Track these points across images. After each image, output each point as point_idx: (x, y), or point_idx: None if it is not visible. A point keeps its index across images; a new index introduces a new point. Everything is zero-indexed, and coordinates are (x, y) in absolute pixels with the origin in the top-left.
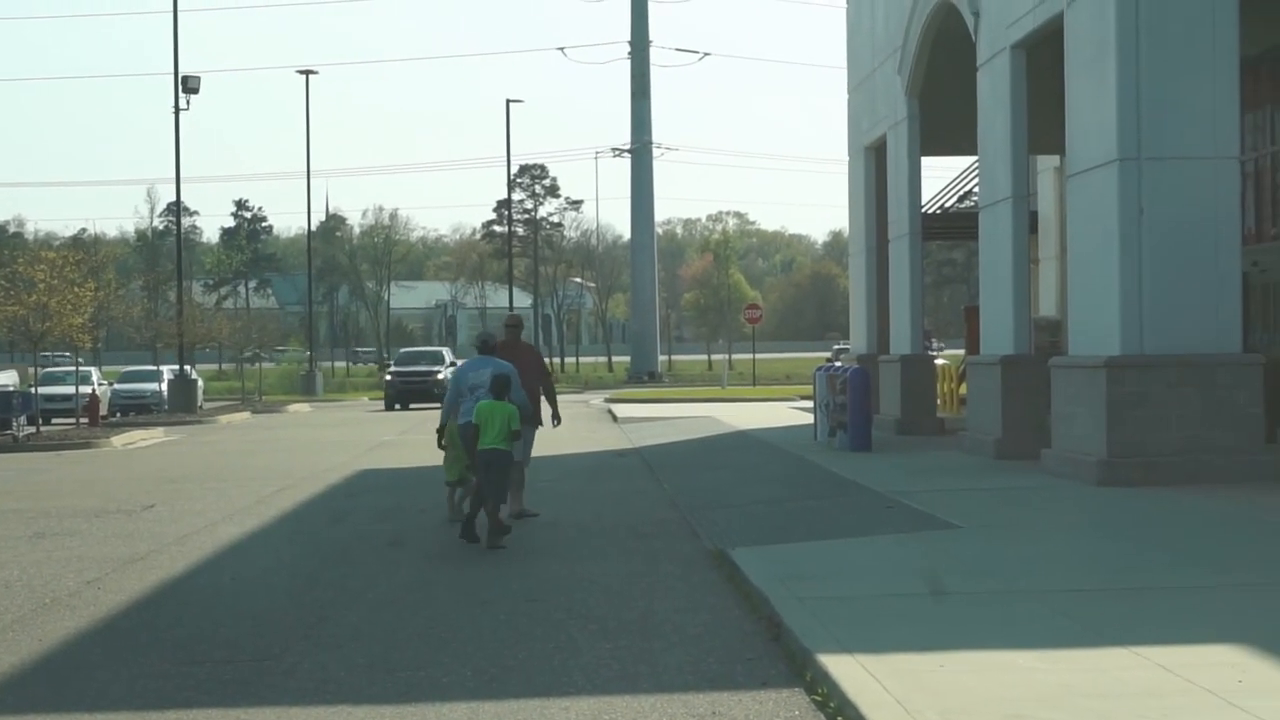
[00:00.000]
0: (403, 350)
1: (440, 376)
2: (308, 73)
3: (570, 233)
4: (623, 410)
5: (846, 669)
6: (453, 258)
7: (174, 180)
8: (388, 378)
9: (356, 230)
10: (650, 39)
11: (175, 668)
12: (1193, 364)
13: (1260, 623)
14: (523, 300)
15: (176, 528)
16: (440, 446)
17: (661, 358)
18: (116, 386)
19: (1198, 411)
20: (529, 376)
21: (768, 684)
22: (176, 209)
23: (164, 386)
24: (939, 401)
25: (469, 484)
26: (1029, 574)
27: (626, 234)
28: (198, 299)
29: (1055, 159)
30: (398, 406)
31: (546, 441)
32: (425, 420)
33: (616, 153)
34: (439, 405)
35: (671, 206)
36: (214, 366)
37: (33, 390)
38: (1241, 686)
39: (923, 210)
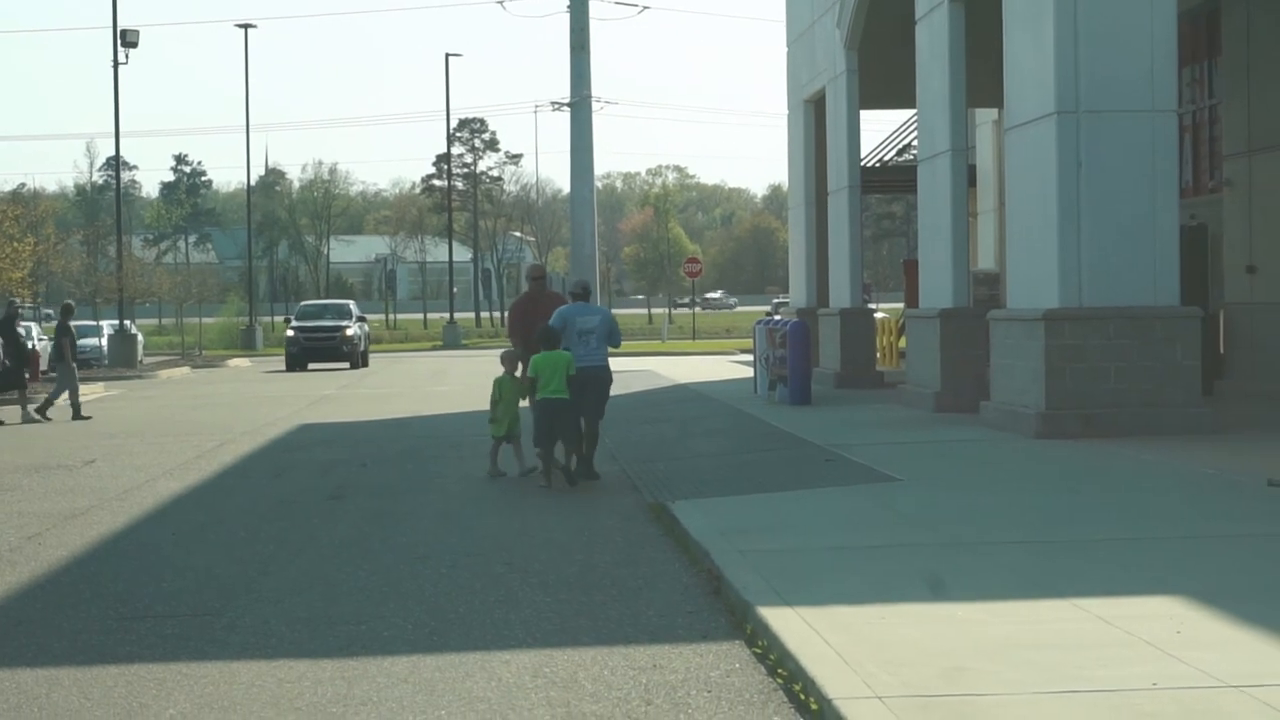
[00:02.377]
0: (303, 304)
1: (350, 332)
2: (246, 26)
3: (510, 187)
4: None
5: (787, 622)
6: (392, 212)
7: (113, 135)
8: (289, 334)
9: (296, 185)
10: None
11: (117, 623)
12: (1131, 317)
13: (1197, 574)
14: (462, 254)
15: (118, 483)
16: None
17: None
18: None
19: (1135, 364)
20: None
21: (708, 637)
22: (116, 163)
23: (104, 341)
24: (878, 355)
25: (515, 439)
26: (968, 526)
27: (566, 188)
28: (137, 253)
29: (994, 112)
30: (299, 368)
31: (485, 396)
32: (364, 376)
33: (556, 106)
34: (347, 365)
35: (611, 160)
36: (154, 321)
37: None
38: (1180, 638)
39: (862, 164)
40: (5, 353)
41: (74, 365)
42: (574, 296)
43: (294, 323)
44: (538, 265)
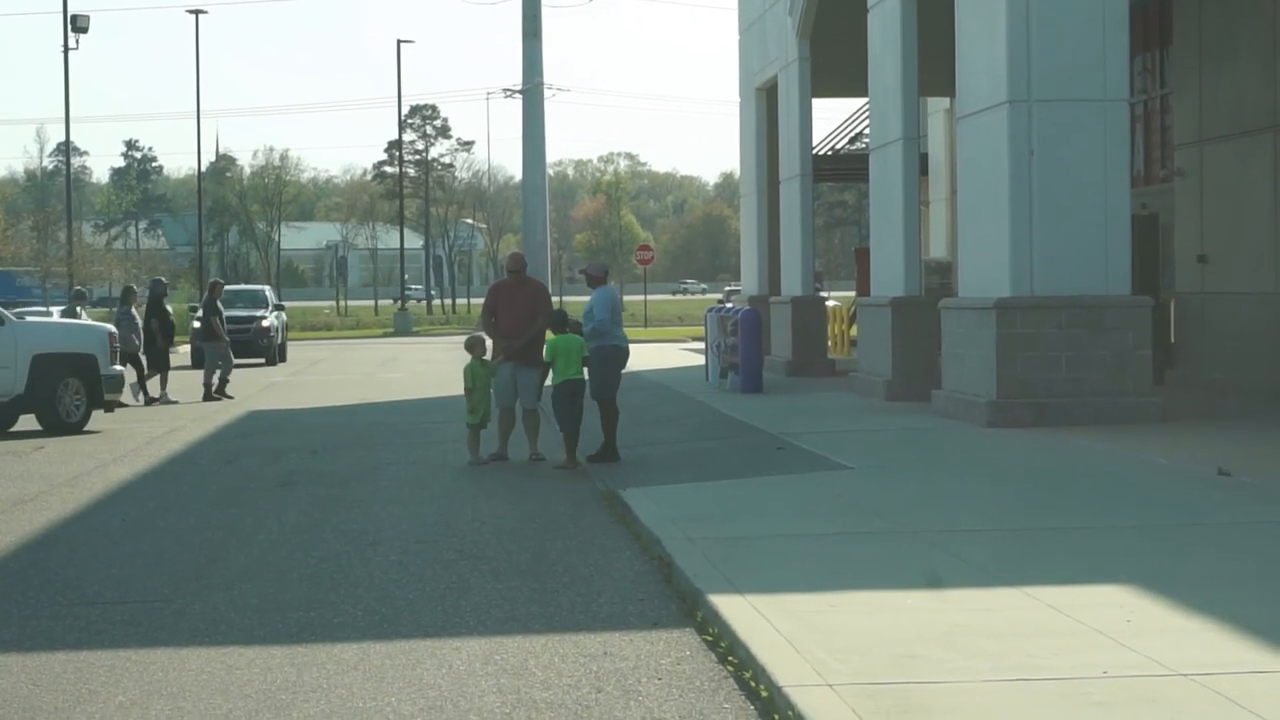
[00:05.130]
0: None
1: (266, 323)
2: (197, 12)
3: (462, 174)
4: None
5: (737, 609)
6: (344, 199)
7: (63, 120)
8: (195, 325)
9: (247, 171)
10: None
11: (66, 609)
12: (1082, 306)
13: (1148, 563)
14: (414, 241)
15: (67, 469)
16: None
17: (554, 299)
18: None
19: (1087, 354)
20: (531, 312)
21: (659, 624)
22: (66, 149)
23: None
24: (830, 343)
25: (485, 425)
26: (919, 515)
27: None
28: (88, 239)
29: (946, 101)
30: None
31: (437, 383)
32: (314, 363)
33: (508, 93)
34: (263, 361)
35: (563, 148)
36: (104, 310)
37: None
38: (1130, 626)
39: (814, 152)
40: (156, 333)
41: (227, 342)
42: (599, 280)
43: (200, 313)
44: (518, 254)
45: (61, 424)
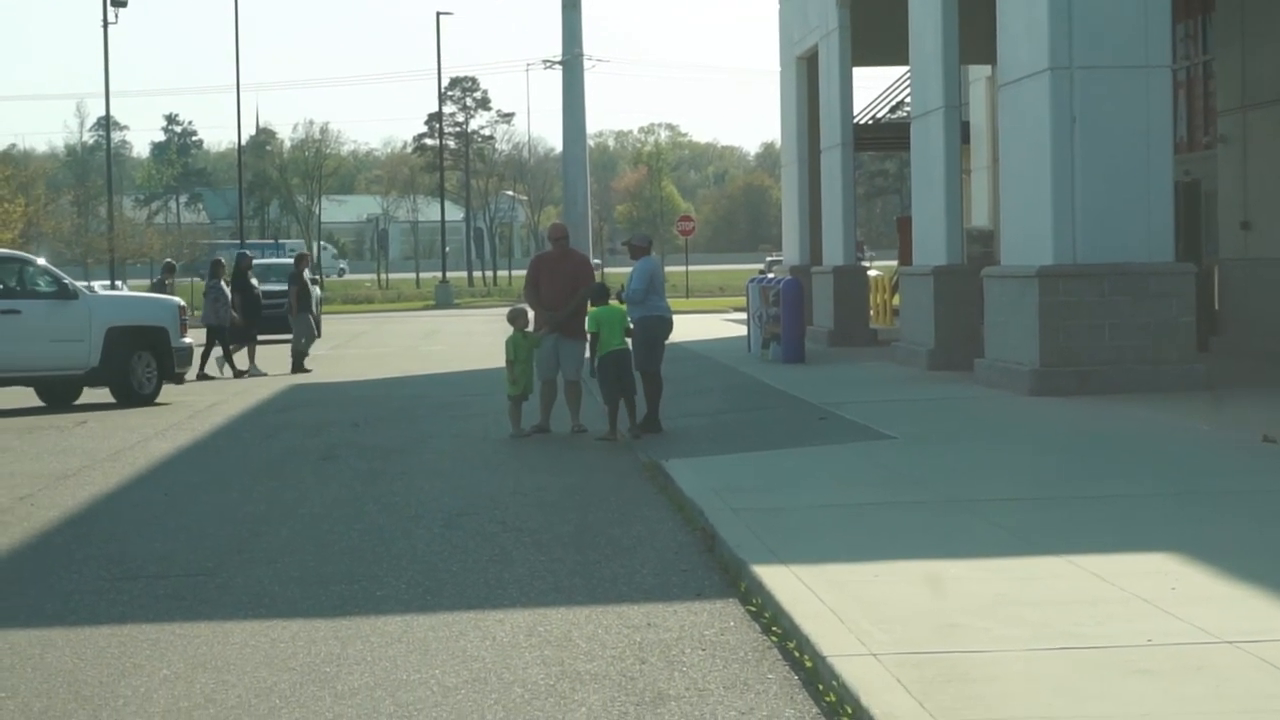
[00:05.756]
0: (241, 254)
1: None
2: None
3: (502, 145)
4: None
5: (780, 580)
6: (384, 171)
7: (104, 94)
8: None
9: (287, 144)
10: None
11: (110, 583)
12: (1125, 273)
13: (1191, 531)
14: (455, 214)
15: (109, 443)
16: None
17: (595, 270)
18: None
19: (1130, 321)
20: (574, 283)
21: (702, 595)
22: (106, 123)
23: None
24: (872, 313)
25: (527, 397)
26: (962, 484)
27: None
28: (128, 214)
29: (987, 69)
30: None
31: (478, 355)
32: (355, 336)
33: (548, 65)
34: (289, 338)
35: (603, 119)
36: (145, 281)
37: None
38: (1174, 594)
39: (855, 121)
40: (240, 305)
41: (310, 316)
42: (642, 250)
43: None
44: (560, 225)
45: (135, 396)
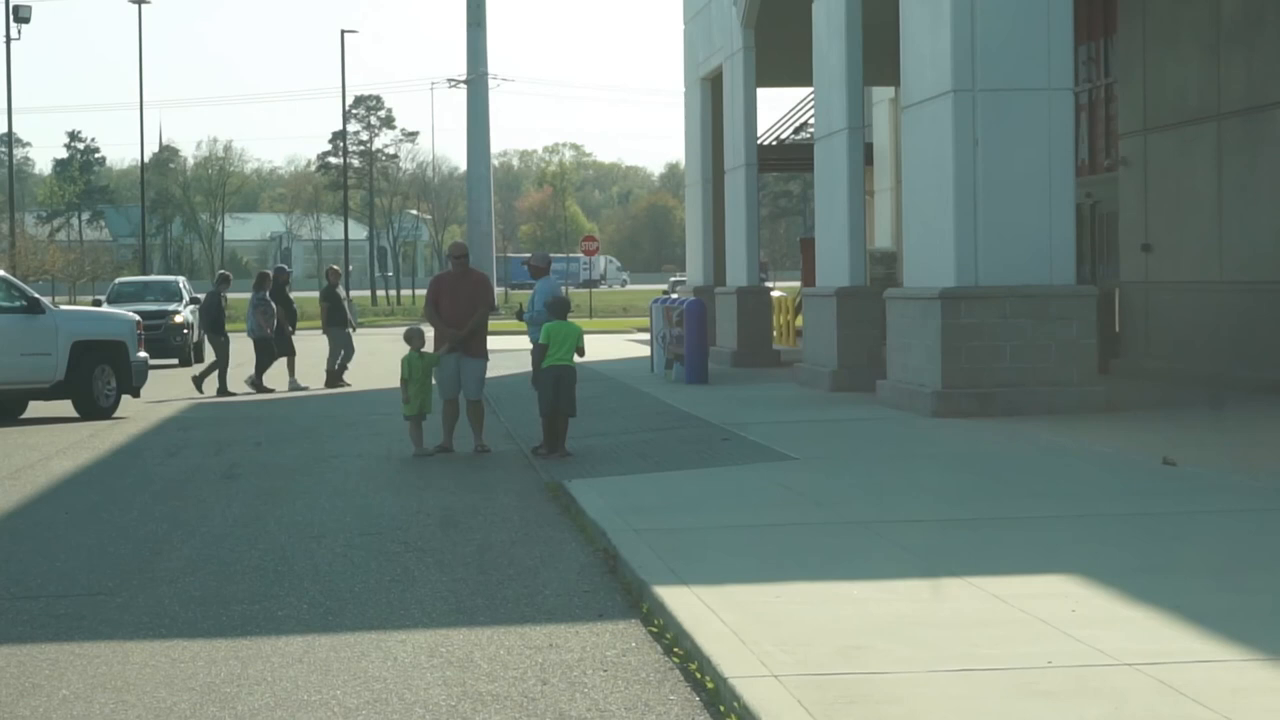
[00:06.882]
0: (119, 281)
1: (179, 319)
2: (140, 2)
3: (406, 164)
4: None
5: (683, 601)
6: (287, 190)
7: (5, 111)
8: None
9: (190, 162)
10: None
11: (9, 602)
12: (1027, 295)
13: (1091, 554)
14: (358, 232)
15: (9, 461)
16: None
17: (499, 289)
18: None
19: (1031, 343)
20: (474, 302)
21: (604, 616)
22: (8, 140)
23: None
24: (775, 333)
25: (425, 417)
26: (865, 505)
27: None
28: (30, 231)
29: (891, 90)
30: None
31: (381, 374)
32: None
33: (452, 84)
34: (176, 362)
35: (508, 138)
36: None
37: None
38: (1075, 616)
39: (759, 142)
40: (280, 319)
41: (349, 331)
42: (542, 271)
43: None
44: (460, 244)
45: (96, 409)
